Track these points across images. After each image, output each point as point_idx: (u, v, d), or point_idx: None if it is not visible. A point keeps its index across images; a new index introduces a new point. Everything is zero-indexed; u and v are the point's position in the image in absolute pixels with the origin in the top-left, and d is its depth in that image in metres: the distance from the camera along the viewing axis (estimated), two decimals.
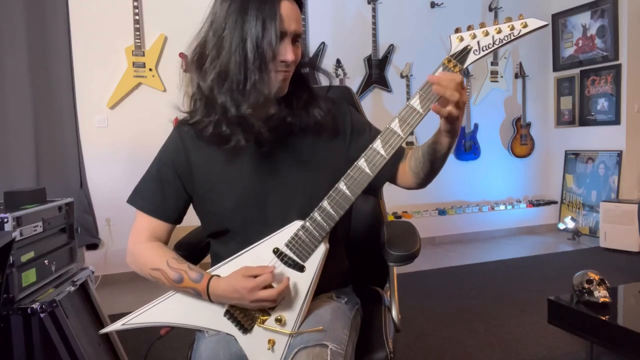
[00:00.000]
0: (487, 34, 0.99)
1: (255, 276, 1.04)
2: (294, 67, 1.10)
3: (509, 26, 0.98)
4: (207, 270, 1.12)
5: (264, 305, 1.07)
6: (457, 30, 1.01)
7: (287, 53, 1.06)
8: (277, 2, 1.04)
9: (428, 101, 1.00)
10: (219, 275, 1.09)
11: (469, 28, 1.01)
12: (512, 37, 0.98)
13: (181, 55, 3.66)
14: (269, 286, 1.05)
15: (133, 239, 1.17)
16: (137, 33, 3.68)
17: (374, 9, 4.37)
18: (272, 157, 1.14)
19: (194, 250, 1.33)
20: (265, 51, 1.03)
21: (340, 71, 4.25)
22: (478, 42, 1.00)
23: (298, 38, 1.09)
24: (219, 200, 1.15)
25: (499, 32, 0.99)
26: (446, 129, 1.02)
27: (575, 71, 4.90)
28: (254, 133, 1.08)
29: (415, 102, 1.01)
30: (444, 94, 0.96)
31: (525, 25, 0.97)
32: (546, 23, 0.97)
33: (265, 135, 1.09)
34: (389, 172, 1.19)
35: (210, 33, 1.08)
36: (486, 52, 1.00)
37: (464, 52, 1.00)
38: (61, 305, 1.64)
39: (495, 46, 0.99)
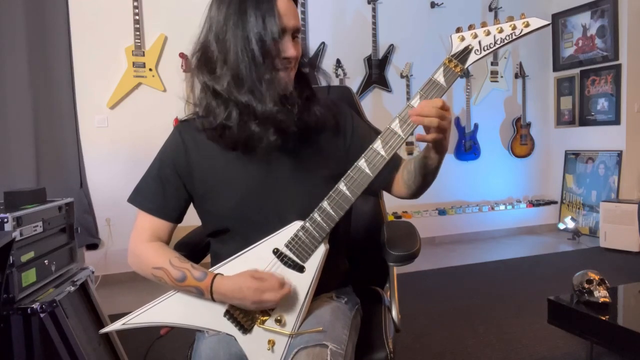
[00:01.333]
0: (488, 33, 0.99)
1: (262, 279, 1.04)
2: (296, 63, 1.10)
3: (510, 25, 0.98)
4: (208, 270, 1.12)
5: (265, 307, 1.07)
6: (458, 30, 1.01)
7: (289, 49, 1.06)
8: (274, 1, 1.04)
9: None
10: (222, 274, 1.09)
11: (470, 27, 1.00)
12: (514, 37, 0.98)
13: (181, 55, 3.66)
14: None
15: (134, 238, 1.17)
16: (137, 33, 3.68)
17: (374, 9, 4.37)
18: (272, 157, 1.14)
19: (194, 250, 1.33)
20: (270, 47, 1.03)
21: (340, 71, 4.25)
22: (479, 42, 0.99)
23: (297, 34, 1.09)
24: (219, 199, 1.15)
25: (501, 31, 0.98)
26: (434, 147, 1.04)
27: (575, 71, 4.90)
28: (284, 127, 1.07)
29: (416, 103, 1.00)
30: (422, 123, 0.97)
31: (527, 25, 0.97)
32: (548, 22, 0.97)
33: (294, 129, 1.08)
34: (385, 178, 1.20)
35: (211, 37, 1.08)
36: (487, 51, 0.99)
37: (465, 52, 1.00)
38: (61, 305, 1.64)
39: (497, 46, 0.99)
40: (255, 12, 1.03)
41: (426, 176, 1.14)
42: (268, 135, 1.06)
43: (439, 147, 1.05)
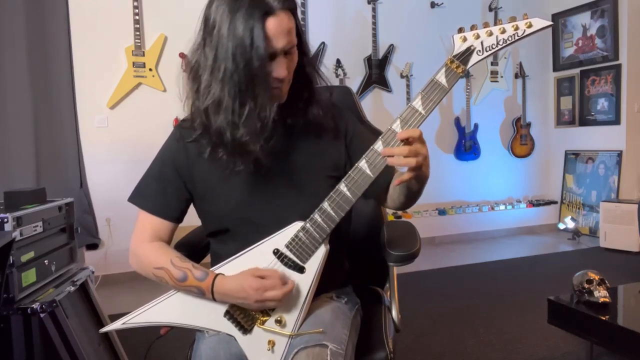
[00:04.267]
0: (490, 34, 0.98)
1: (264, 277, 1.04)
2: (290, 77, 1.08)
3: (513, 26, 0.97)
4: (209, 270, 1.12)
5: (267, 306, 1.07)
6: (460, 30, 1.00)
7: (279, 70, 1.03)
8: (262, 23, 0.98)
9: (430, 102, 0.99)
10: (223, 274, 1.09)
11: (473, 28, 0.99)
12: (516, 38, 0.97)
13: (181, 55, 3.65)
14: None
15: (135, 238, 1.17)
16: (137, 33, 3.68)
17: (374, 9, 4.37)
18: (271, 158, 1.13)
19: (194, 250, 1.33)
20: (257, 76, 1.00)
21: (340, 71, 4.24)
22: (481, 43, 0.99)
23: (291, 49, 1.06)
24: (219, 199, 1.15)
25: (503, 32, 0.98)
26: (415, 178, 1.03)
27: (575, 71, 4.90)
28: (252, 159, 1.06)
29: (417, 103, 1.00)
30: (398, 164, 0.97)
31: (530, 25, 0.96)
32: (551, 23, 0.96)
33: (263, 161, 1.07)
34: (378, 188, 1.18)
35: (202, 55, 1.05)
36: (489, 52, 0.98)
37: (467, 53, 0.99)
38: (61, 305, 1.64)
39: (499, 46, 0.98)
40: (243, 39, 0.98)
41: (409, 196, 1.14)
42: (236, 163, 1.07)
43: (419, 178, 1.04)
